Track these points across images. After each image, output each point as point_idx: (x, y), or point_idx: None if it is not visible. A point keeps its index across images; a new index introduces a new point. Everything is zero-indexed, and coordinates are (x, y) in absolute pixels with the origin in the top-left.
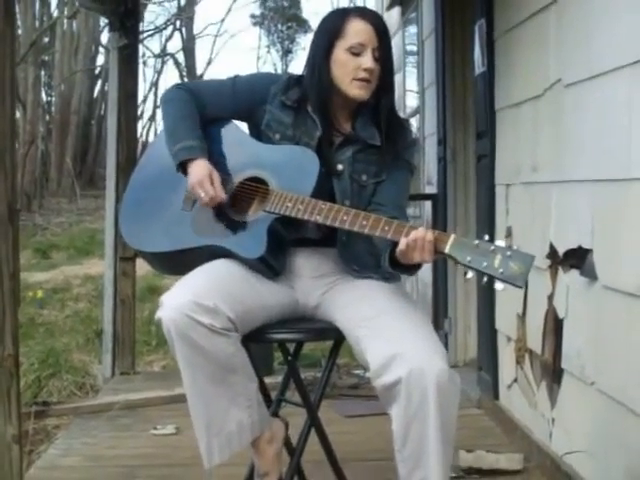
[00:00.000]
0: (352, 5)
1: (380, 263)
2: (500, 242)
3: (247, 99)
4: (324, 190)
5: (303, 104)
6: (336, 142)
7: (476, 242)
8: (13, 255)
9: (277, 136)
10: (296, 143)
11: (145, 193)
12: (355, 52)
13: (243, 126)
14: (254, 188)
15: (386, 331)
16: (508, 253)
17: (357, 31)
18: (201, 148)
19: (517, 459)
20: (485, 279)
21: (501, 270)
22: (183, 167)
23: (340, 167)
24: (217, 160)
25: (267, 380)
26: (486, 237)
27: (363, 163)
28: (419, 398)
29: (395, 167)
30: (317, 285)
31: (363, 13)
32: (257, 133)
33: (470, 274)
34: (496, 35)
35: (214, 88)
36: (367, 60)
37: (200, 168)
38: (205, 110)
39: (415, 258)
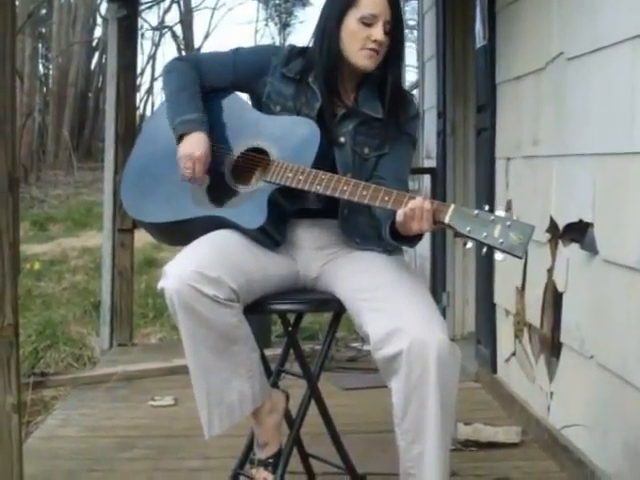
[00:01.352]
0: None
1: (381, 235)
2: (500, 212)
3: (247, 71)
4: (326, 161)
5: (305, 75)
6: (339, 114)
7: (476, 212)
8: (13, 224)
9: (277, 108)
10: (296, 114)
11: (146, 164)
12: (367, 22)
13: (245, 97)
14: (255, 158)
15: (387, 303)
16: (508, 223)
17: (371, 1)
18: (200, 121)
19: (515, 432)
20: (485, 249)
21: (501, 240)
22: (182, 140)
23: (342, 139)
24: (218, 130)
25: (265, 352)
26: (486, 207)
27: (365, 136)
28: (420, 370)
29: (397, 140)
30: (318, 256)
31: None
32: (258, 105)
33: (469, 244)
34: (497, 8)
35: (215, 60)
36: (377, 31)
37: (193, 142)
38: (206, 81)
39: (414, 228)
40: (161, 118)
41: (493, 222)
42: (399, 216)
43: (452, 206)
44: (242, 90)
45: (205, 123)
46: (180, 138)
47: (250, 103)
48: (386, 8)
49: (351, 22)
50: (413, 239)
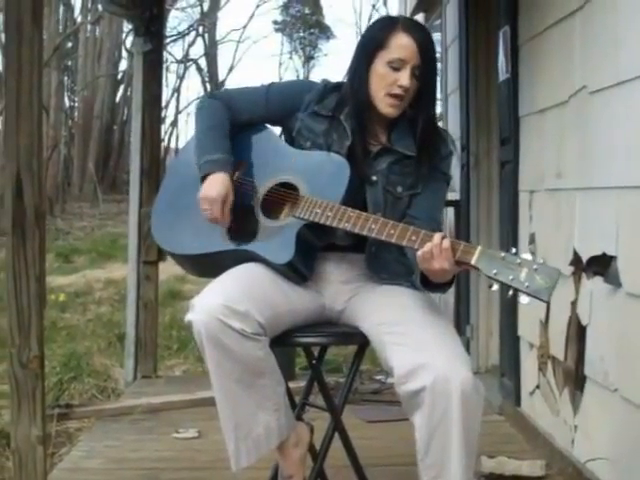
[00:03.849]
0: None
1: (409, 271)
2: (526, 255)
3: (279, 107)
4: (357, 200)
5: (337, 112)
6: (373, 152)
7: (502, 254)
8: (39, 258)
9: (308, 144)
10: (327, 151)
11: (177, 197)
12: (395, 67)
13: (277, 131)
14: (285, 193)
15: (412, 338)
16: (535, 267)
17: (400, 45)
18: (223, 162)
19: (539, 466)
20: (510, 292)
21: (527, 284)
22: (205, 179)
23: (374, 178)
24: (249, 164)
25: (290, 385)
26: (513, 250)
27: (398, 174)
28: (443, 406)
29: (431, 179)
30: (344, 290)
31: (410, 27)
32: (290, 140)
33: (495, 286)
34: (520, 42)
35: (247, 96)
36: (404, 77)
37: (212, 184)
38: (237, 118)
39: (435, 267)
40: (190, 152)
41: (520, 265)
42: (418, 257)
43: (479, 248)
44: (275, 124)
45: (229, 164)
46: (204, 178)
47: (283, 137)
48: (415, 53)
49: (379, 65)
50: (443, 285)
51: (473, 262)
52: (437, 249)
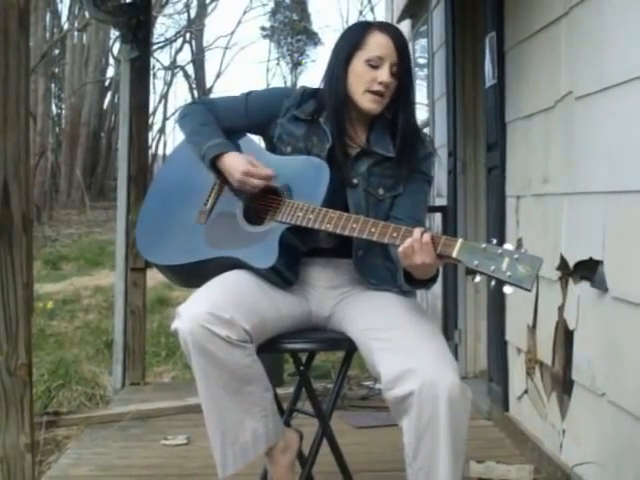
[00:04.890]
0: (364, 18)
1: (396, 277)
2: (508, 245)
3: (259, 115)
4: (338, 203)
5: (316, 116)
6: (352, 154)
7: (483, 245)
8: (27, 265)
9: (289, 149)
10: (307, 155)
11: (160, 207)
12: (373, 65)
13: (257, 139)
14: (267, 199)
15: (399, 344)
16: (516, 256)
17: (377, 44)
18: (227, 144)
19: (527, 470)
20: (493, 282)
21: (509, 273)
22: (214, 166)
23: (355, 181)
24: None
25: (278, 391)
26: (494, 241)
27: (379, 176)
28: (430, 412)
29: (412, 179)
30: (331, 295)
31: (385, 27)
32: (271, 146)
33: (478, 278)
34: (506, 48)
35: (228, 104)
36: (383, 73)
37: (236, 159)
38: (220, 125)
39: (417, 261)
40: (175, 161)
41: (501, 255)
42: (399, 254)
43: (460, 240)
44: (256, 133)
45: (232, 145)
46: (212, 163)
47: (263, 145)
48: (393, 50)
49: (358, 64)
50: (427, 282)
51: (454, 255)
52: (418, 244)
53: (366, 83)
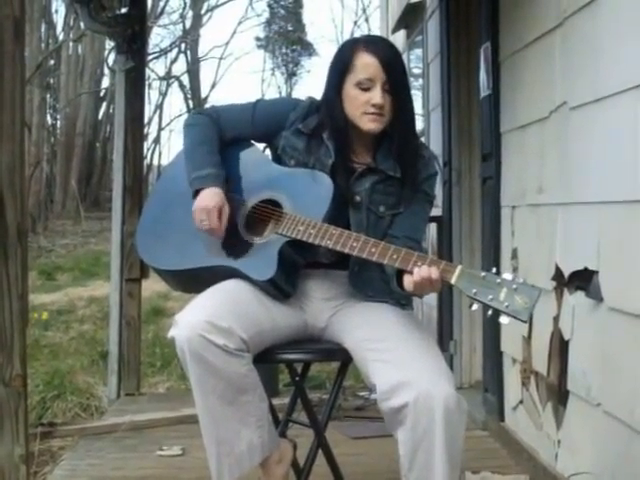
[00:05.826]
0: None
1: (391, 288)
2: (507, 275)
3: (265, 126)
4: (340, 219)
5: (319, 131)
6: (357, 171)
7: (483, 274)
8: (22, 276)
9: (292, 161)
10: (311, 169)
11: (162, 212)
12: (364, 87)
13: (262, 147)
14: (269, 210)
15: (395, 355)
16: (514, 286)
17: (364, 65)
18: (215, 176)
19: None
20: (490, 312)
21: (506, 304)
22: (198, 195)
23: (357, 198)
24: (234, 181)
25: (273, 401)
26: (494, 270)
27: (381, 194)
28: (426, 423)
29: (414, 199)
30: (327, 307)
31: (370, 45)
32: (276, 157)
33: (475, 306)
34: (501, 58)
35: (235, 113)
36: (376, 95)
37: (210, 196)
38: (226, 134)
39: (425, 293)
40: (176, 167)
41: (499, 285)
42: (409, 285)
43: (459, 267)
44: (261, 142)
45: (220, 177)
46: (196, 193)
47: (269, 155)
48: (380, 70)
49: (349, 88)
50: None
51: (453, 281)
52: (427, 281)
53: (361, 106)
